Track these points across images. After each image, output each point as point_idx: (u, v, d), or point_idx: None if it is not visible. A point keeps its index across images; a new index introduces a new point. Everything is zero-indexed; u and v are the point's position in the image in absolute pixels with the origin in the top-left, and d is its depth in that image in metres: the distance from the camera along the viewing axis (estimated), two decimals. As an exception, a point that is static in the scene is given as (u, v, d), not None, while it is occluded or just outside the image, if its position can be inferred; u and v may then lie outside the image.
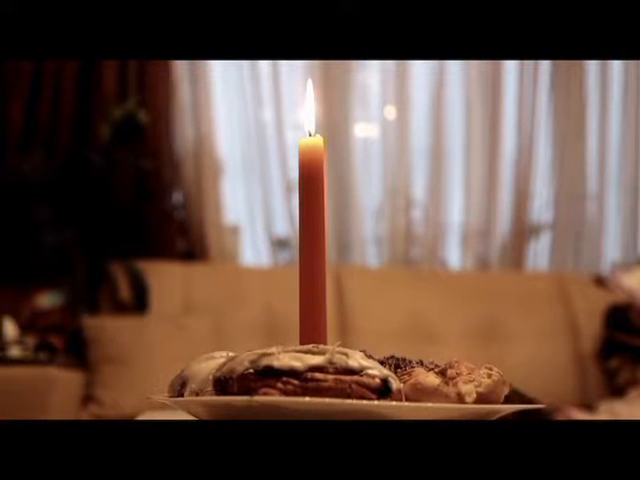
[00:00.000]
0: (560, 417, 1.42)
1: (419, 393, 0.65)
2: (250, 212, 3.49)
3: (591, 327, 3.25)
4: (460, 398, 0.64)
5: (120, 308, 2.91)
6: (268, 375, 0.61)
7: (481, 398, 0.65)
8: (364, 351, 0.67)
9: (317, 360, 0.62)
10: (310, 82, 0.77)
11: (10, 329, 2.78)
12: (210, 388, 0.67)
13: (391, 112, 3.62)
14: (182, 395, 0.71)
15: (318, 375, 0.61)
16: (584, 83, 3.78)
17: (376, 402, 0.62)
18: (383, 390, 0.63)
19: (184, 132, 3.37)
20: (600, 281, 3.48)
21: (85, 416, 2.50)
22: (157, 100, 3.25)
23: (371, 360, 0.65)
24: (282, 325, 2.90)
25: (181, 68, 3.35)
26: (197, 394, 0.70)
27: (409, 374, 0.67)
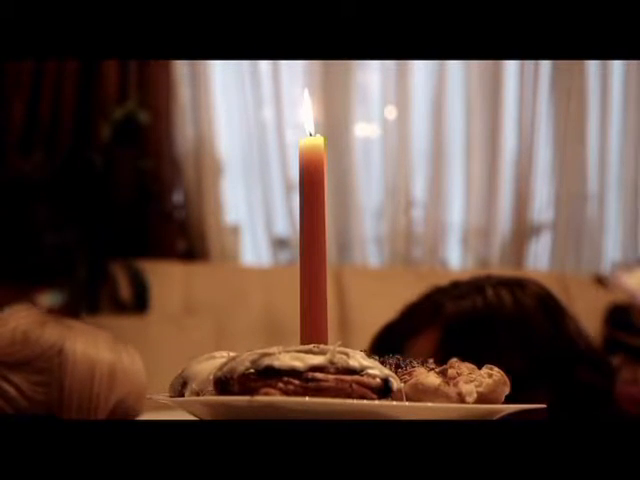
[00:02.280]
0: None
1: (420, 393, 0.65)
2: (250, 212, 3.49)
3: (591, 327, 3.25)
4: (461, 398, 0.64)
5: (120, 308, 2.91)
6: (269, 375, 0.61)
7: (482, 398, 0.65)
8: (365, 351, 0.67)
9: (318, 360, 0.62)
10: (306, 92, 0.77)
11: (10, 329, 2.77)
12: (211, 388, 0.67)
13: (391, 112, 3.62)
14: (183, 395, 0.71)
15: (319, 375, 0.61)
16: (584, 83, 3.78)
17: (377, 402, 0.62)
18: (384, 390, 0.63)
19: (184, 132, 3.37)
20: (600, 281, 3.48)
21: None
22: (157, 100, 3.25)
23: (372, 360, 0.65)
24: (282, 325, 2.90)
25: (181, 68, 3.35)
26: (198, 394, 0.70)
27: (410, 374, 0.67)
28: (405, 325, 1.45)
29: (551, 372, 1.32)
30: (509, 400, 1.28)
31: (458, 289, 1.42)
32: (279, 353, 0.62)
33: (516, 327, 1.35)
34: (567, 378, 1.32)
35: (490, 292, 1.37)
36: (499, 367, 1.30)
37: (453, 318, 1.38)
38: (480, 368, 1.29)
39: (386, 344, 1.44)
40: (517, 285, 1.40)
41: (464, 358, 1.32)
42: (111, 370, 1.10)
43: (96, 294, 2.98)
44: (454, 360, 0.68)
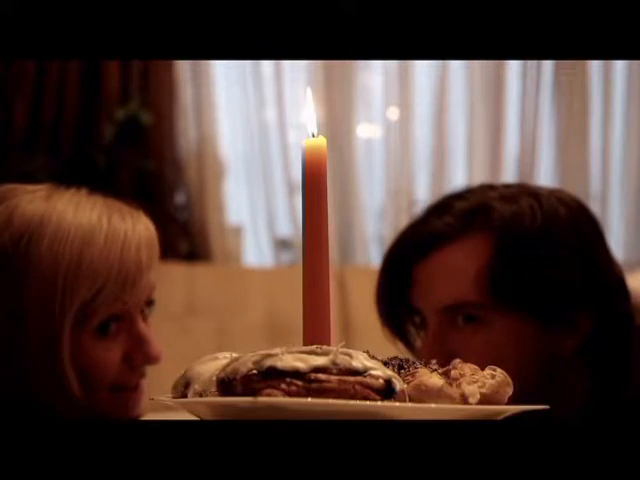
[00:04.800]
0: None
1: (423, 394, 0.65)
2: (253, 213, 3.49)
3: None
4: (464, 399, 0.64)
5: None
6: (272, 376, 0.61)
7: (485, 399, 0.65)
8: (367, 352, 0.67)
9: (320, 361, 0.62)
10: (309, 90, 0.77)
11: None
12: (214, 389, 0.67)
13: (394, 113, 3.62)
14: (185, 396, 0.71)
15: (321, 376, 0.61)
16: (587, 83, 3.77)
17: (379, 403, 0.62)
18: (387, 391, 0.63)
19: (187, 133, 3.37)
20: (603, 281, 3.46)
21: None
22: (160, 101, 3.25)
23: (374, 361, 0.65)
24: (285, 326, 2.90)
25: (184, 69, 3.35)
26: (201, 395, 0.70)
27: (412, 375, 0.67)
28: (439, 226, 1.20)
29: (598, 295, 1.19)
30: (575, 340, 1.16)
31: (497, 191, 1.22)
32: (282, 354, 0.62)
33: (573, 240, 1.19)
34: (608, 304, 1.19)
35: (545, 198, 1.19)
36: (557, 281, 1.16)
37: (509, 221, 1.17)
38: (535, 277, 1.16)
39: (409, 250, 1.23)
40: (562, 194, 1.25)
41: (522, 267, 1.16)
42: (78, 262, 0.99)
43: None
44: (457, 361, 0.68)
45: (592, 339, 1.17)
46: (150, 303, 1.10)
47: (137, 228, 1.06)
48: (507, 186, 1.25)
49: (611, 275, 1.22)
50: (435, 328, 1.19)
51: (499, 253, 1.16)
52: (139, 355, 1.08)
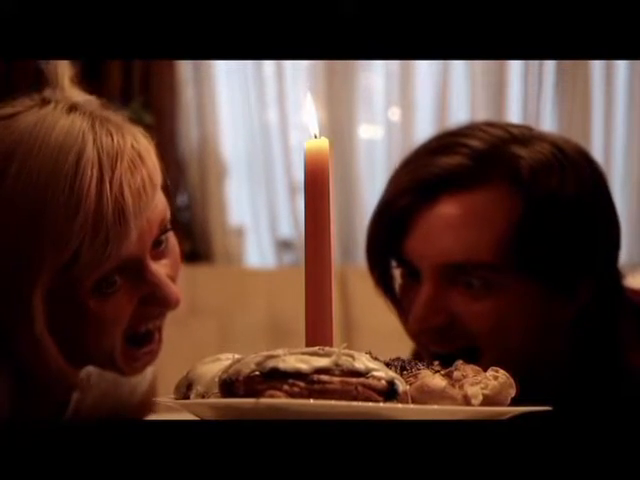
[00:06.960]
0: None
1: (425, 395, 0.65)
2: (255, 214, 3.48)
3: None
4: (467, 400, 0.64)
5: (125, 310, 2.91)
6: (274, 377, 0.61)
7: (488, 400, 0.65)
8: (370, 353, 0.67)
9: (323, 362, 0.62)
10: (309, 94, 0.77)
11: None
12: (216, 390, 0.68)
13: (395, 113, 3.62)
14: (188, 397, 0.71)
15: (324, 377, 0.61)
16: (588, 84, 3.77)
17: (382, 404, 0.62)
18: (389, 392, 0.63)
19: (188, 134, 3.37)
20: (605, 282, 3.46)
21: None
22: (161, 102, 3.25)
23: (377, 362, 0.65)
24: (287, 327, 2.90)
25: (185, 70, 3.35)
26: (203, 396, 0.70)
27: (415, 376, 0.67)
28: (450, 166, 1.02)
29: (606, 261, 1.13)
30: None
31: (507, 131, 1.05)
32: (284, 355, 0.62)
33: (595, 200, 1.08)
34: (611, 271, 1.14)
35: (564, 146, 1.05)
36: (578, 246, 1.05)
37: (539, 176, 1.01)
38: (562, 243, 1.06)
39: (410, 192, 1.05)
40: (574, 144, 1.10)
41: (552, 231, 1.02)
42: (40, 230, 0.83)
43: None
44: (459, 362, 0.68)
45: (588, 307, 1.10)
46: (165, 231, 0.95)
47: (118, 166, 0.87)
48: (512, 125, 1.11)
49: (618, 242, 1.16)
50: (433, 285, 1.05)
51: (530, 213, 1.01)
52: (153, 301, 0.96)
